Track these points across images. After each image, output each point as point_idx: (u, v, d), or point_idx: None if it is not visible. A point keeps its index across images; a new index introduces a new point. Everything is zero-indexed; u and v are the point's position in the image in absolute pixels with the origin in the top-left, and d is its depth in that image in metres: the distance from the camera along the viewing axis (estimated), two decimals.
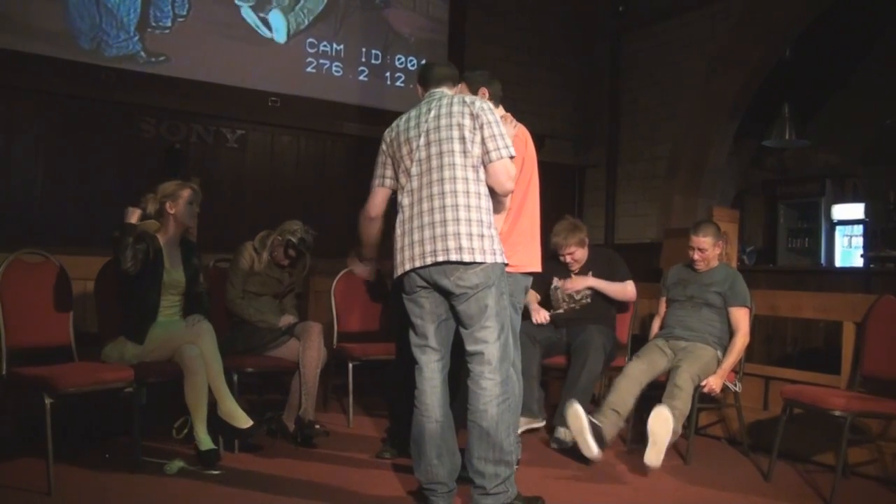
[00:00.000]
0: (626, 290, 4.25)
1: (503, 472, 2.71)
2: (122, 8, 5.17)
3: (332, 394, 4.70)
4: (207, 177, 5.25)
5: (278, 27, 5.76)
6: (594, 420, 3.49)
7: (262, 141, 5.74)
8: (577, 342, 4.09)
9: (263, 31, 5.69)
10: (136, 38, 5.24)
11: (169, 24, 5.35)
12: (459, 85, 3.03)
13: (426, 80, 2.95)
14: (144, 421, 3.36)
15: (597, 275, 4.23)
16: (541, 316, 4.19)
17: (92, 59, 5.08)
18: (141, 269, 3.38)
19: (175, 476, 3.19)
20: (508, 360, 2.77)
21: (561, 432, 3.84)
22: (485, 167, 2.76)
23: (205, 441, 3.32)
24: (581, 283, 4.20)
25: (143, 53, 5.25)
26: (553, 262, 4.19)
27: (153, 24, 5.28)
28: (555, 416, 4.01)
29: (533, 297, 4.23)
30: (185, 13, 5.40)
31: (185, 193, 3.56)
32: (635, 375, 3.74)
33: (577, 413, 3.44)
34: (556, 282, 4.26)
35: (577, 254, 4.22)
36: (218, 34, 5.49)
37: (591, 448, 3.40)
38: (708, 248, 3.96)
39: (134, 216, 3.37)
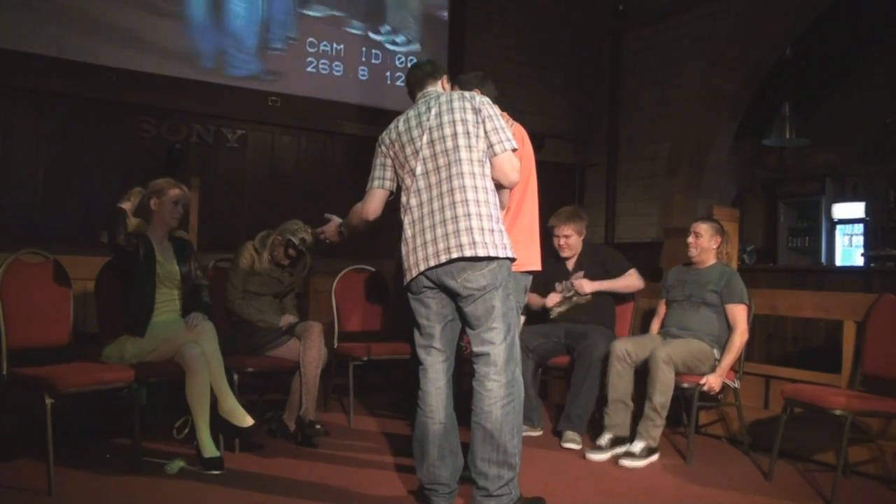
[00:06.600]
0: (631, 282, 4.22)
1: (506, 474, 2.69)
2: (245, 32, 5.62)
3: (333, 394, 4.70)
4: (208, 177, 5.25)
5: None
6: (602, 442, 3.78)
7: (263, 140, 5.74)
8: (580, 347, 4.07)
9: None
10: (258, 59, 5.71)
11: (282, 46, 5.80)
12: (444, 76, 3.00)
13: (410, 87, 2.98)
14: (145, 421, 3.36)
15: (588, 275, 4.23)
16: (551, 300, 4.21)
17: (214, 77, 5.48)
18: (133, 261, 3.38)
19: (176, 476, 3.19)
20: (514, 362, 2.75)
21: (569, 436, 3.93)
22: (489, 161, 2.77)
23: (209, 447, 3.28)
24: (588, 287, 4.17)
25: (264, 73, 5.73)
26: (551, 261, 4.19)
27: (270, 46, 5.77)
28: (560, 419, 4.02)
29: (535, 299, 4.23)
30: (294, 36, 5.83)
31: (173, 192, 3.54)
32: (620, 371, 3.82)
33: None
34: (558, 287, 4.27)
35: (571, 239, 4.22)
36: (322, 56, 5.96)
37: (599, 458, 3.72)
38: (703, 234, 3.99)
39: (125, 206, 3.39)
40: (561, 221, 4.24)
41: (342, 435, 4.00)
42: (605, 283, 4.20)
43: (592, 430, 4.03)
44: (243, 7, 5.61)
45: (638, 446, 3.64)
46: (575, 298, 4.23)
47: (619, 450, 3.70)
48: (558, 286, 4.26)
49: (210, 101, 5.45)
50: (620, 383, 3.81)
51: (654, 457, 3.66)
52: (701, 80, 6.36)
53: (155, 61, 5.26)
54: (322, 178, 5.90)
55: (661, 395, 3.63)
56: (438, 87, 2.94)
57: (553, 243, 4.26)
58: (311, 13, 5.92)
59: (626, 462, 3.59)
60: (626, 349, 3.83)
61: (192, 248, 3.74)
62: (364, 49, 6.12)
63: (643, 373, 3.77)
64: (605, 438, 3.79)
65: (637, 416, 3.78)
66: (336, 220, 3.25)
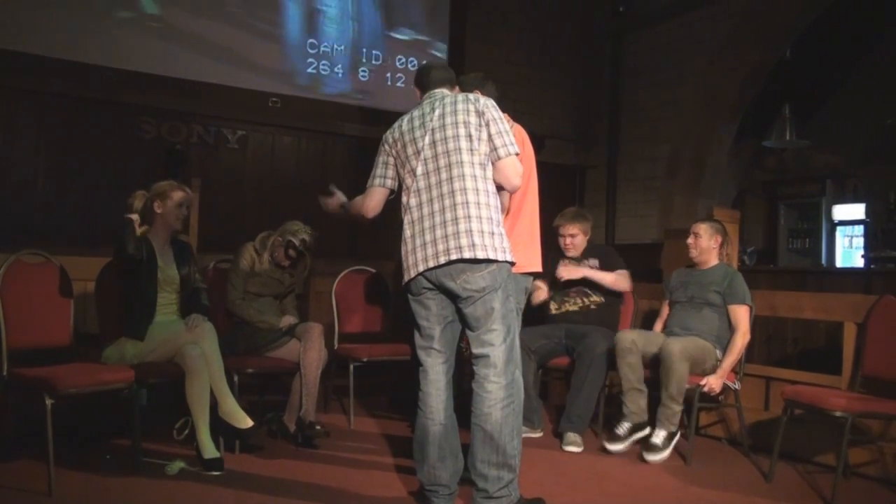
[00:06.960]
0: (618, 279, 4.21)
1: (506, 476, 2.69)
2: (335, 53, 5.96)
3: (333, 394, 4.69)
4: (208, 178, 5.25)
5: None
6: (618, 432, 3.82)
7: (263, 141, 5.74)
8: (580, 347, 4.07)
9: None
10: (348, 78, 6.03)
11: (370, 65, 6.12)
12: (457, 86, 3.01)
13: (424, 83, 2.95)
14: (145, 422, 3.36)
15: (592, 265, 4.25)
16: (540, 293, 4.18)
17: (308, 94, 5.81)
18: (138, 265, 3.38)
19: (176, 477, 3.19)
20: (514, 363, 2.75)
21: (570, 438, 3.91)
22: (492, 164, 2.76)
23: (209, 448, 3.28)
24: (577, 273, 4.19)
25: (354, 92, 6.06)
26: (554, 255, 4.21)
27: (362, 63, 6.09)
28: (561, 420, 4.02)
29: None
30: (380, 58, 6.16)
31: (177, 195, 3.54)
32: (631, 362, 3.82)
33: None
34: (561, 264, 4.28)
35: (576, 238, 4.26)
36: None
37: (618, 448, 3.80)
38: (702, 234, 4.01)
39: (134, 217, 3.40)
40: (566, 221, 4.27)
41: (342, 436, 4.00)
42: (592, 271, 4.20)
43: (600, 427, 4.04)
44: (335, 29, 5.97)
45: (660, 436, 3.68)
46: (588, 303, 4.23)
47: (639, 435, 3.74)
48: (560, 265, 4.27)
49: (210, 102, 5.44)
50: (632, 373, 3.83)
51: (676, 440, 3.72)
52: (701, 81, 6.35)
53: (248, 77, 5.58)
54: (322, 179, 5.86)
55: (677, 385, 3.66)
56: (449, 92, 2.92)
57: (559, 243, 4.28)
58: (398, 36, 6.23)
59: (651, 457, 3.64)
60: (632, 339, 3.84)
61: (192, 252, 3.74)
62: (364, 50, 6.12)
63: (650, 366, 3.78)
64: (623, 427, 3.82)
65: (652, 401, 3.81)
66: (340, 196, 3.18)
